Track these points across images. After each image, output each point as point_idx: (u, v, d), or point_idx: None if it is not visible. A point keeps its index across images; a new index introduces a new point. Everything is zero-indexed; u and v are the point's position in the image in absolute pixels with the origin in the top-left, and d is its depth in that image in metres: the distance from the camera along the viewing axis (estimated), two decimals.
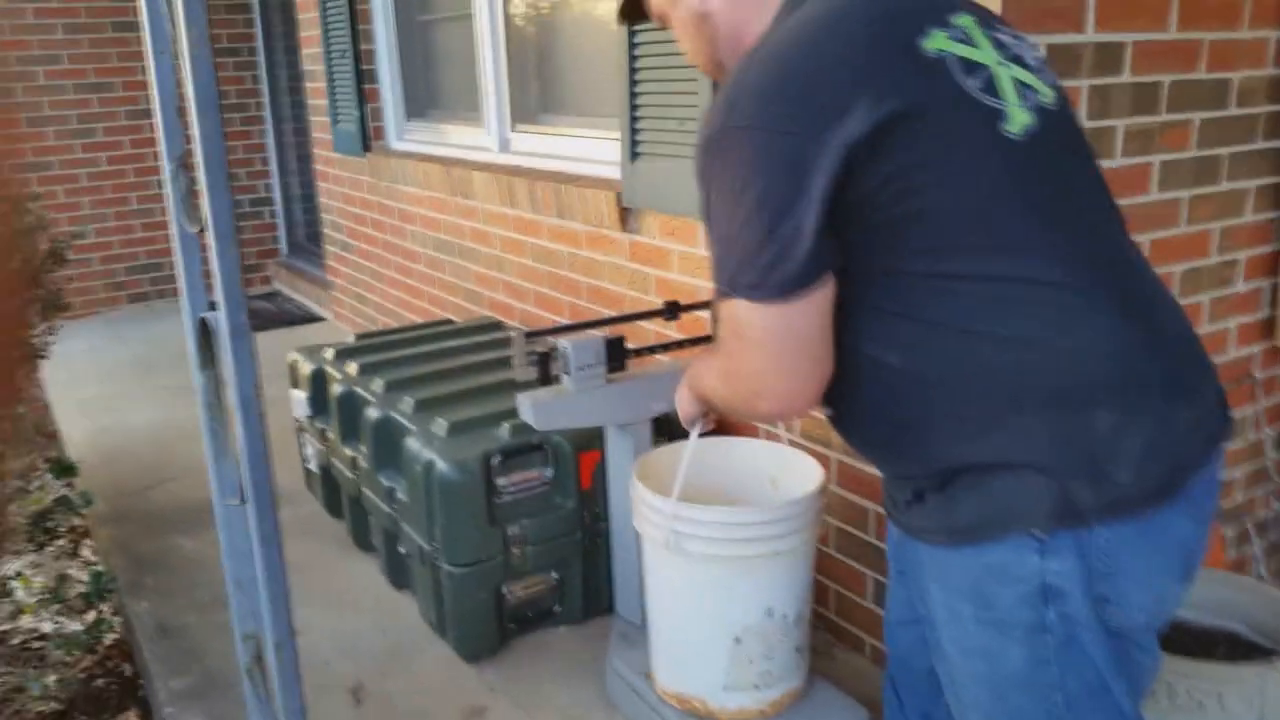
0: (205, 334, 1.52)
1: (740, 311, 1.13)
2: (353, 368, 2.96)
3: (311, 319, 5.60)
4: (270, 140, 6.29)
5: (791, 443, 2.18)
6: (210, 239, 1.32)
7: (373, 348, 3.16)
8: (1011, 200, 1.12)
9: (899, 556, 1.42)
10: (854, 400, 1.22)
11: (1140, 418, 1.11)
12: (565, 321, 3.18)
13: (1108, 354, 1.11)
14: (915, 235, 1.11)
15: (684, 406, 1.63)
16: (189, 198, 1.45)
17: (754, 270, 1.09)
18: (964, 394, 1.13)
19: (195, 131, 1.25)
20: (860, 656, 2.37)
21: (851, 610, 2.38)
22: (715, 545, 1.85)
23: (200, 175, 1.28)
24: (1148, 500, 1.12)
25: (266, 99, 6.21)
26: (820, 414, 1.30)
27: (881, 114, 1.06)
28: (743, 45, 1.22)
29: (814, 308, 1.11)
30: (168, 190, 1.48)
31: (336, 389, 2.89)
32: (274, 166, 6.33)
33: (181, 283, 1.54)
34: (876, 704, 1.99)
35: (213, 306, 1.42)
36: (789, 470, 2.08)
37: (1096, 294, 1.12)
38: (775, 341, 1.13)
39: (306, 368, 3.09)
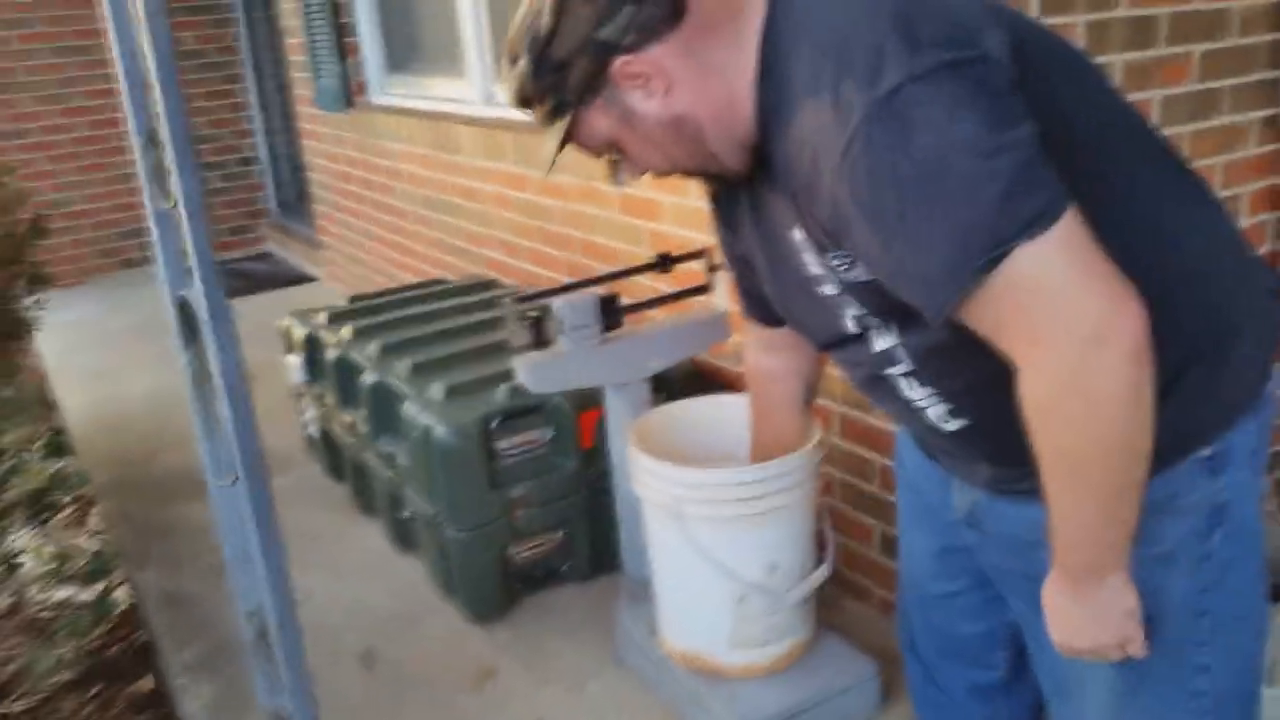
0: (186, 312, 1.49)
1: (1026, 270, 0.91)
2: (346, 332, 2.93)
3: (304, 279, 5.55)
4: (253, 98, 6.18)
5: None
6: (182, 217, 1.28)
7: (366, 310, 3.12)
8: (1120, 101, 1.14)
9: (956, 534, 1.32)
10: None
11: (1260, 285, 1.17)
12: (562, 277, 3.13)
13: (1232, 228, 1.17)
14: (1084, 157, 1.02)
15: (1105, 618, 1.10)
16: (159, 173, 1.41)
17: (1028, 194, 0.91)
18: (1189, 299, 1.08)
19: (160, 110, 1.20)
20: (868, 606, 2.37)
21: (858, 561, 2.36)
22: (714, 507, 1.82)
23: (168, 153, 1.24)
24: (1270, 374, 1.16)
25: (247, 56, 6.09)
26: (941, 420, 1.17)
27: (1006, 37, 1.00)
28: (739, 114, 1.09)
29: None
30: (139, 165, 1.44)
31: (331, 354, 2.86)
32: (258, 125, 6.23)
33: (159, 259, 1.51)
34: (884, 653, 1.99)
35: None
36: None
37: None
38: (1085, 258, 0.92)
39: (300, 332, 3.06)
